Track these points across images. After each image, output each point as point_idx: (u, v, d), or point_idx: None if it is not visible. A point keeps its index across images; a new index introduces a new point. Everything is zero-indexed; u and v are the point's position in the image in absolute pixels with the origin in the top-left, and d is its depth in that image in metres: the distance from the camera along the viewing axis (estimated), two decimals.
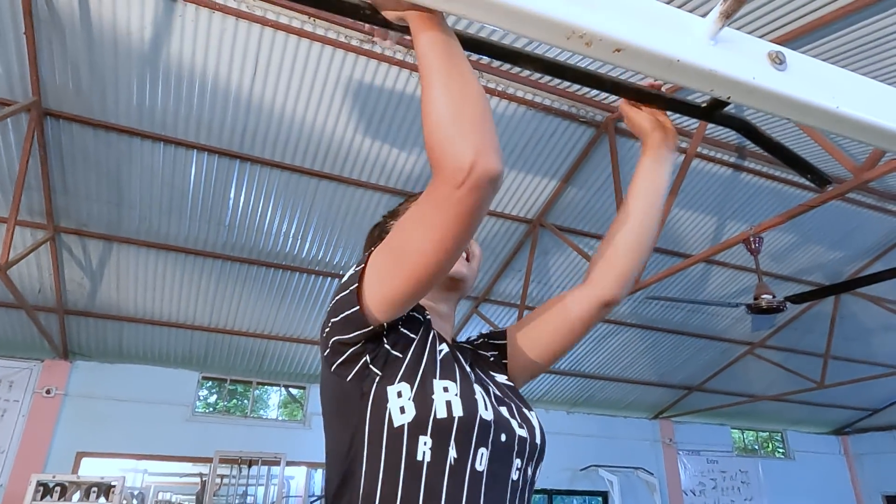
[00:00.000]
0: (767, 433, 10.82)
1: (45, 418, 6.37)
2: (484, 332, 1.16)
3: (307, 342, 6.91)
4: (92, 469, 6.44)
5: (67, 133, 4.39)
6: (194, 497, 8.64)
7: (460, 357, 0.92)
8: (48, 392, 6.46)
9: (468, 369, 0.90)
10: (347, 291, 0.83)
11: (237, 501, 7.03)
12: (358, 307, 0.81)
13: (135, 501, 8.96)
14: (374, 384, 0.82)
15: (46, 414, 6.40)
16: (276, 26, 3.84)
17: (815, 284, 6.78)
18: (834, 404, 9.86)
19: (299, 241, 5.61)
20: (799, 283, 6.90)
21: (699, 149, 4.91)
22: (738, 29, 0.77)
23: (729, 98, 0.75)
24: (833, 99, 0.75)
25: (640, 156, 1.08)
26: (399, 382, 0.81)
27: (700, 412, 9.36)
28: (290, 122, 4.48)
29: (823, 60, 0.79)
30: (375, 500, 0.77)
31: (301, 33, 3.90)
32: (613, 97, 4.55)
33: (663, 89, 1.02)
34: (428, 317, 0.94)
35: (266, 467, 7.02)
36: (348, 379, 0.83)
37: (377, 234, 1.08)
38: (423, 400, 0.79)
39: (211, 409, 8.15)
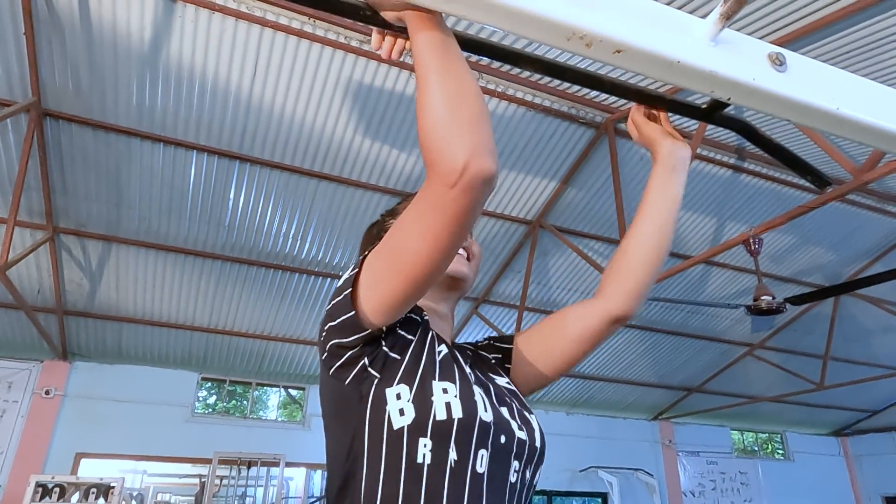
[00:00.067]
0: (767, 434, 10.82)
1: (44, 419, 6.37)
2: (491, 335, 1.15)
3: (307, 343, 6.91)
4: (91, 470, 6.43)
5: (67, 133, 4.39)
6: (193, 498, 8.64)
7: (459, 358, 0.92)
8: (47, 393, 6.45)
9: (468, 370, 0.90)
10: (342, 296, 0.82)
11: (236, 502, 7.02)
12: (353, 312, 0.80)
13: (134, 502, 8.95)
14: (373, 387, 0.81)
15: (45, 415, 6.39)
16: (276, 27, 3.84)
17: (815, 286, 6.78)
18: (833, 405, 9.86)
19: (299, 242, 5.61)
20: (798, 285, 6.91)
21: (699, 150, 4.92)
22: (739, 30, 0.77)
23: (729, 99, 0.75)
24: (833, 100, 0.75)
25: (652, 167, 1.06)
26: (398, 384, 0.81)
27: (699, 413, 9.36)
28: (289, 122, 4.48)
29: (823, 61, 0.79)
30: (377, 503, 0.76)
31: (301, 34, 3.90)
32: (613, 98, 4.56)
33: (663, 90, 1.01)
34: (426, 317, 0.93)
35: (265, 468, 7.02)
36: (347, 382, 0.83)
37: (375, 232, 1.07)
38: (423, 402, 0.79)
39: (210, 409, 8.15)
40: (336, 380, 0.85)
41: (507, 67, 4.22)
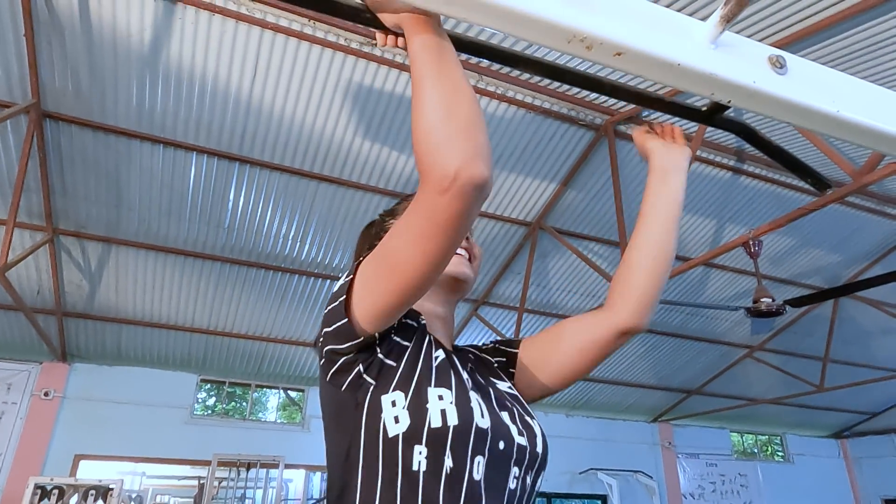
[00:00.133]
0: (767, 436, 10.82)
1: (43, 421, 6.36)
2: (498, 338, 1.14)
3: (306, 345, 6.90)
4: (90, 472, 6.42)
5: (67, 135, 4.39)
6: (192, 500, 8.61)
7: (457, 363, 0.91)
8: (46, 394, 6.44)
9: (465, 375, 0.89)
10: (337, 302, 0.82)
11: None
12: (346, 319, 0.80)
13: None
14: (369, 394, 0.81)
15: (44, 416, 6.38)
16: (276, 29, 3.84)
17: (815, 288, 6.78)
18: (833, 408, 9.86)
19: (298, 244, 5.61)
20: (798, 287, 6.91)
21: (698, 152, 4.92)
22: (738, 32, 0.77)
23: (730, 102, 0.75)
24: (833, 103, 0.75)
25: (647, 175, 1.07)
26: (393, 391, 0.80)
27: (699, 415, 9.35)
28: (289, 124, 4.48)
29: (823, 64, 0.79)
30: None
31: (301, 36, 3.90)
32: (613, 100, 4.56)
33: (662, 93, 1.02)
34: (423, 322, 0.92)
35: (264, 470, 7.00)
36: (343, 389, 0.83)
37: (374, 232, 1.07)
38: (418, 409, 0.78)
39: (209, 411, 8.14)
40: (333, 386, 0.85)
41: (506, 69, 4.22)
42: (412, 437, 0.77)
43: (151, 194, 4.91)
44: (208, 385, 7.73)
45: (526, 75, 4.28)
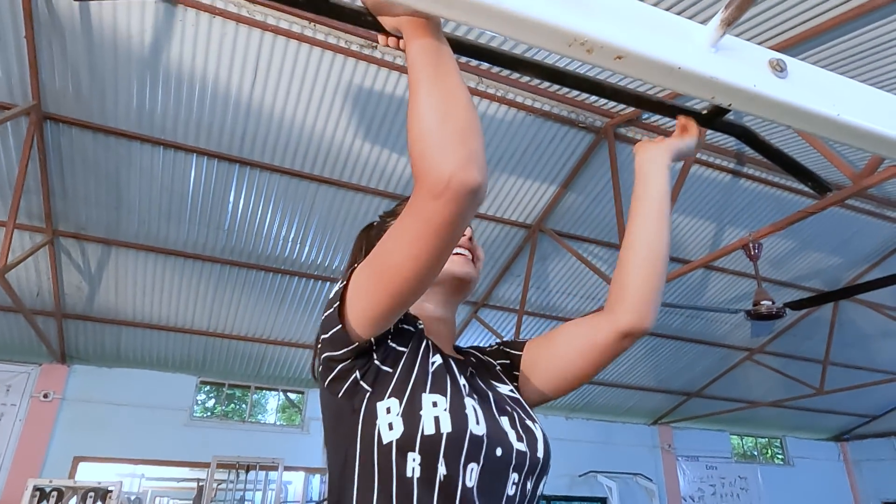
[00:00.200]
0: (766, 439, 10.81)
1: (42, 422, 6.35)
2: (503, 340, 1.13)
3: (305, 347, 6.90)
4: (89, 474, 6.42)
5: (67, 137, 4.39)
6: (191, 502, 8.60)
7: (454, 368, 0.90)
8: (46, 396, 6.43)
9: (462, 381, 0.88)
10: (333, 308, 0.82)
11: None
12: (340, 325, 0.80)
13: None
14: (365, 400, 0.81)
15: (44, 418, 6.38)
16: (277, 31, 3.85)
17: (814, 290, 6.79)
18: (833, 410, 9.85)
19: (298, 246, 5.61)
20: (798, 290, 6.91)
21: (698, 155, 4.92)
22: (739, 36, 0.77)
23: (730, 105, 0.75)
24: (834, 106, 0.76)
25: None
26: (388, 398, 0.80)
27: (699, 418, 9.35)
28: (289, 126, 4.49)
29: (823, 67, 0.79)
30: None
31: (301, 38, 3.90)
32: (613, 103, 4.57)
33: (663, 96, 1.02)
34: (420, 326, 0.92)
35: (264, 472, 7.00)
36: (340, 395, 0.83)
37: (374, 233, 1.06)
38: (411, 416, 0.78)
39: (209, 413, 8.13)
40: (331, 393, 0.85)
41: (506, 72, 4.23)
42: (406, 444, 0.77)
43: (151, 196, 4.91)
44: (208, 387, 7.72)
45: (526, 77, 4.28)
